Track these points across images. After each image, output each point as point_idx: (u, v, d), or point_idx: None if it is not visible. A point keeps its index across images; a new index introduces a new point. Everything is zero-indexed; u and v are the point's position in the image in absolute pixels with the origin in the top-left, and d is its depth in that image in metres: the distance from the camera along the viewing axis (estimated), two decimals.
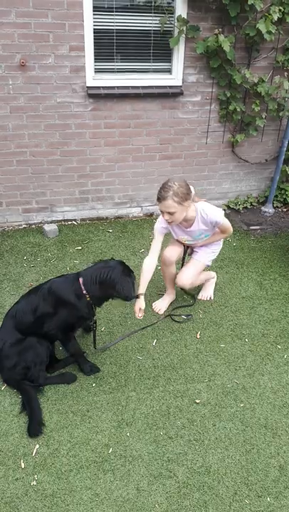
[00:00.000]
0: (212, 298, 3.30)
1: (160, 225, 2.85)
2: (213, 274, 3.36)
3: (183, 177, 4.45)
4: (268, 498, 1.96)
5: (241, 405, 2.41)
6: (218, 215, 2.77)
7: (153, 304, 3.19)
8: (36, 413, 2.27)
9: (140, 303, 2.70)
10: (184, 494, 1.96)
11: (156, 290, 3.36)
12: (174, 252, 3.02)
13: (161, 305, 3.17)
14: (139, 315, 2.70)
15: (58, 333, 2.46)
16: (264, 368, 2.67)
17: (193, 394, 2.47)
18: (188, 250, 3.11)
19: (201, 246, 3.02)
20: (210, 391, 2.49)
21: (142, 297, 2.71)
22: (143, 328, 2.95)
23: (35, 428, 2.21)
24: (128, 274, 2.40)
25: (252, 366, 2.69)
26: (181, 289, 3.21)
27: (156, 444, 2.18)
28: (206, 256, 3.04)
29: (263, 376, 2.62)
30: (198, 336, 2.92)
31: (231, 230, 2.90)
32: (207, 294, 3.31)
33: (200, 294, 3.31)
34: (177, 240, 3.04)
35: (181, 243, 3.05)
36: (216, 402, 2.42)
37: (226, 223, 2.83)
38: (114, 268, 2.37)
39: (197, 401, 2.42)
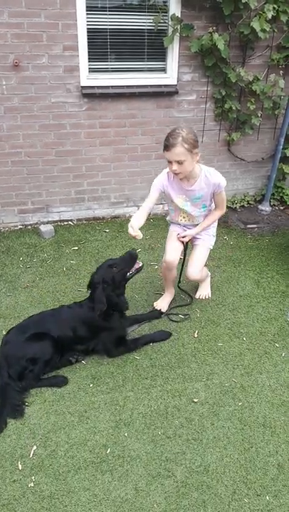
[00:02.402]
0: (210, 296, 3.28)
1: (159, 180, 2.73)
2: (208, 272, 3.34)
3: None
4: (267, 497, 1.95)
5: (239, 404, 2.40)
6: (221, 178, 2.67)
7: (154, 304, 3.16)
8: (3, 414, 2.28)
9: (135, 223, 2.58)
10: (183, 494, 1.95)
11: (153, 290, 3.35)
12: (175, 256, 2.92)
13: (162, 304, 3.14)
14: (133, 234, 2.55)
15: None
16: (262, 367, 2.67)
17: (191, 393, 2.46)
18: (187, 243, 3.00)
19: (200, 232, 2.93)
20: (208, 390, 2.48)
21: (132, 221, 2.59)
22: (140, 324, 2.95)
23: None
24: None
25: (250, 365, 2.68)
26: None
27: (155, 444, 2.16)
28: (207, 239, 2.99)
29: (261, 374, 2.61)
30: (196, 335, 2.91)
31: (225, 207, 2.84)
32: (205, 292, 3.29)
33: (197, 293, 3.29)
34: (173, 228, 2.97)
35: (180, 243, 2.97)
36: (214, 401, 2.41)
37: (224, 194, 2.75)
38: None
39: (195, 400, 2.41)
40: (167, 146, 2.48)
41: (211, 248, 3.06)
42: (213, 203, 2.85)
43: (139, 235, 2.59)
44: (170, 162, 2.52)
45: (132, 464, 2.07)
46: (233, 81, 4.06)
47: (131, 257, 2.67)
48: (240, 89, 4.26)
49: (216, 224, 3.04)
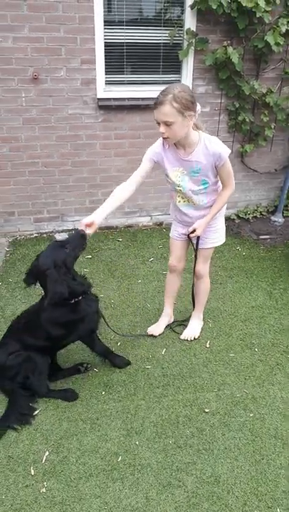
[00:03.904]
0: (196, 337, 2.97)
1: (152, 148, 2.43)
2: (200, 322, 3.07)
3: None
4: (278, 510, 1.94)
5: (251, 415, 2.40)
6: (223, 147, 2.31)
7: (148, 330, 3.00)
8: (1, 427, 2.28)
9: (85, 219, 2.29)
10: (193, 504, 1.95)
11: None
12: (178, 258, 2.80)
13: (157, 329, 2.99)
14: (83, 228, 2.27)
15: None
16: (274, 378, 2.66)
17: (202, 403, 2.47)
18: (192, 239, 2.67)
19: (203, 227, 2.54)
20: (219, 400, 2.49)
21: (90, 218, 2.31)
22: (151, 335, 2.97)
23: None
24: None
25: (262, 376, 2.68)
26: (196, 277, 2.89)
27: (165, 453, 2.17)
28: (210, 239, 2.67)
29: (272, 386, 2.60)
30: (208, 346, 2.92)
31: (234, 183, 2.47)
32: (192, 333, 2.97)
33: (183, 334, 2.98)
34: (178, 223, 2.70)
35: (182, 228, 2.67)
36: (225, 412, 2.41)
37: (230, 166, 2.37)
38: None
39: (206, 410, 2.42)
40: (155, 104, 2.17)
41: (217, 245, 2.74)
42: (219, 183, 2.50)
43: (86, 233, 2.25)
44: (158, 123, 2.22)
45: (143, 473, 2.08)
46: (247, 93, 4.11)
47: (81, 237, 2.28)
48: (254, 102, 4.30)
49: (222, 217, 2.68)
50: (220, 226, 2.68)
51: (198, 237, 2.62)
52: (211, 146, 2.30)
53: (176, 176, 2.44)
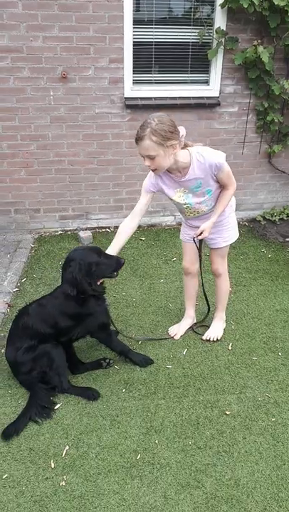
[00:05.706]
0: (219, 338, 2.95)
1: (148, 180, 2.45)
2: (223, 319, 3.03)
3: None
4: None
5: (273, 419, 2.36)
6: (217, 156, 2.29)
7: (169, 329, 3.01)
8: (23, 419, 2.29)
9: None
10: (212, 506, 1.93)
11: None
12: (190, 260, 2.80)
13: (179, 329, 2.97)
14: None
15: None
16: None
17: (223, 405, 2.44)
18: (200, 241, 2.68)
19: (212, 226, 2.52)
20: (240, 403, 2.45)
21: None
22: (171, 337, 2.96)
23: (9, 430, 2.23)
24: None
25: (285, 380, 2.63)
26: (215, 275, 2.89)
27: (185, 454, 2.16)
28: (222, 238, 2.66)
29: None
30: (230, 348, 2.88)
31: (234, 181, 2.43)
32: (214, 334, 2.94)
33: (206, 334, 2.95)
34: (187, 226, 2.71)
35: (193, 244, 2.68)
36: (247, 415, 2.38)
37: (228, 169, 2.33)
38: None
39: (227, 412, 2.39)
40: (136, 139, 2.20)
41: (231, 242, 2.71)
42: (216, 187, 2.46)
43: None
44: (143, 157, 2.25)
45: (162, 472, 2.07)
46: (277, 93, 4.04)
47: (117, 262, 2.45)
48: (284, 102, 4.23)
49: (234, 213, 2.66)
50: (232, 224, 2.68)
51: (200, 240, 2.63)
52: (205, 160, 2.29)
53: (180, 196, 2.47)
